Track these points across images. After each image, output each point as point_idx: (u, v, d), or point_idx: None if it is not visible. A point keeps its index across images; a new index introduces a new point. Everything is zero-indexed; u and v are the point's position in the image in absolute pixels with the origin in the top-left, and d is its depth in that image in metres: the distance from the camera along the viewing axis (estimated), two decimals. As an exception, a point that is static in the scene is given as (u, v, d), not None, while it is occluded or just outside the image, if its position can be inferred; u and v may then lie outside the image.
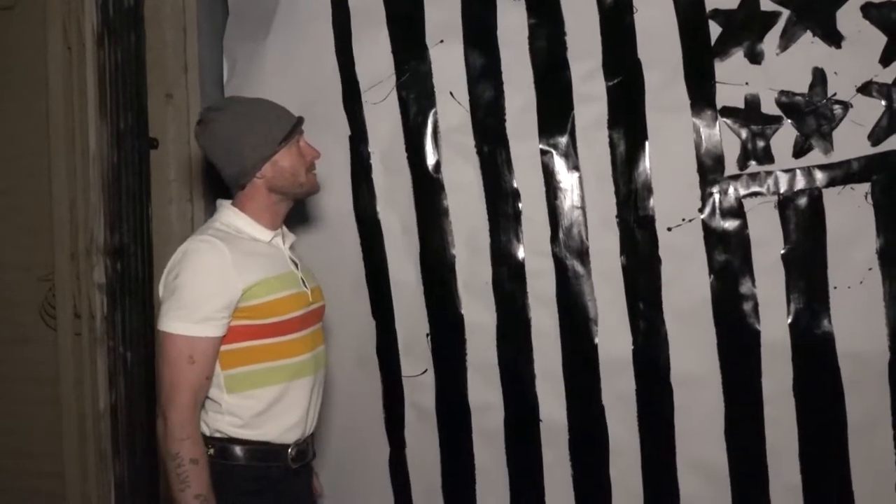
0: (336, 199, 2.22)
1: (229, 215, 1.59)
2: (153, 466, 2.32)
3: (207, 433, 1.51)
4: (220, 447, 1.50)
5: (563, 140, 2.05)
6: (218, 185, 2.41)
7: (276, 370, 1.52)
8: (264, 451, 1.52)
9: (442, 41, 2.13)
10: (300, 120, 1.61)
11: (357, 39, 2.20)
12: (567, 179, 2.05)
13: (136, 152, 2.33)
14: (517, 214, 2.09)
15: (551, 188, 2.06)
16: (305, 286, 1.62)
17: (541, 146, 2.07)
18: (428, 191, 2.15)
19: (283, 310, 1.53)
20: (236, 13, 2.38)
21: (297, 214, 2.25)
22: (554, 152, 2.06)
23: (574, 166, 2.05)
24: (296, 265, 1.64)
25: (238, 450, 1.50)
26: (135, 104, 2.33)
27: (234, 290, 1.45)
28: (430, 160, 2.15)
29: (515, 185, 2.09)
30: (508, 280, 2.10)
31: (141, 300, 2.33)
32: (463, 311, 2.14)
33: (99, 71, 2.27)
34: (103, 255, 2.26)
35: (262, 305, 1.49)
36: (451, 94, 2.13)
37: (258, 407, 1.51)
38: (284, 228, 1.68)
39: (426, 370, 2.19)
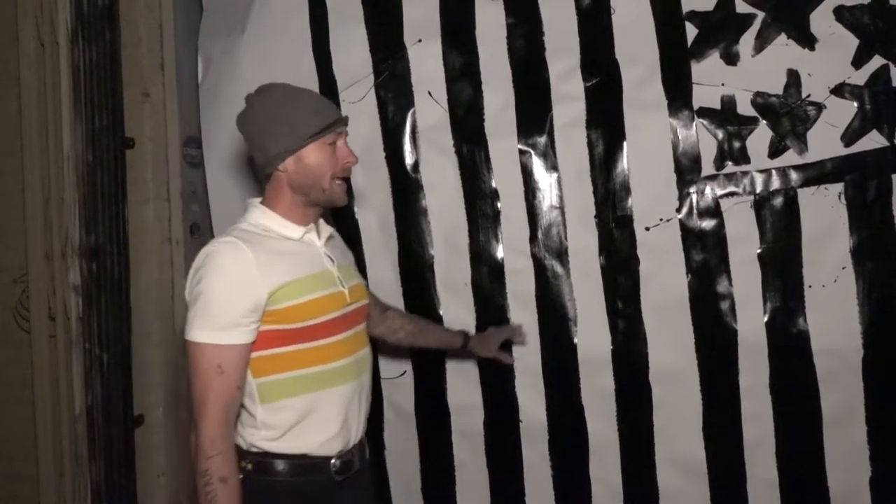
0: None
1: (256, 214, 1.50)
2: (130, 469, 2.30)
3: (244, 447, 1.43)
4: (257, 462, 1.42)
5: (541, 140, 2.06)
6: (201, 185, 2.40)
7: (311, 377, 1.43)
8: (305, 465, 1.43)
9: (420, 40, 2.13)
10: (341, 119, 1.52)
11: (334, 38, 2.19)
12: (545, 179, 2.06)
13: (111, 151, 2.29)
14: (496, 214, 2.09)
15: (530, 188, 2.07)
16: (343, 285, 1.52)
17: (519, 146, 2.07)
18: (406, 190, 2.15)
19: (316, 312, 1.43)
20: (211, 10, 2.35)
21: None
22: (532, 152, 2.06)
23: (552, 166, 2.05)
24: (332, 261, 1.54)
25: (277, 464, 1.42)
26: (110, 102, 2.29)
27: (258, 293, 1.37)
28: (409, 160, 2.14)
29: (494, 184, 2.09)
30: (488, 280, 2.10)
31: (117, 301, 2.30)
32: (442, 312, 2.14)
33: (73, 68, 2.22)
34: (78, 255, 2.22)
35: (291, 309, 1.40)
36: (429, 93, 2.12)
37: (292, 418, 1.42)
38: (322, 222, 1.59)
39: (405, 372, 2.19)
